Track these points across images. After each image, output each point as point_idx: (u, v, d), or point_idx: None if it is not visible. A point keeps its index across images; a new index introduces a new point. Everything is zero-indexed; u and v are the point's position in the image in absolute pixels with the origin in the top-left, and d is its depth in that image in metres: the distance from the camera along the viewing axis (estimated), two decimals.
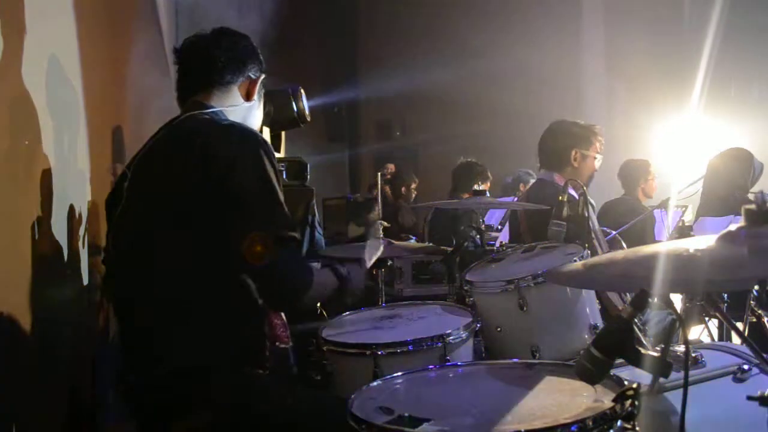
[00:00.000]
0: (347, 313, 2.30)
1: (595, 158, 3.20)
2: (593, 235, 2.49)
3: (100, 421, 2.31)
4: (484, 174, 5.09)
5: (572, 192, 3.12)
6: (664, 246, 1.28)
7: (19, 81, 1.97)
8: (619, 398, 1.19)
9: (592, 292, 2.18)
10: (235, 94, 1.85)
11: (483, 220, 4.42)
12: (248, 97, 1.87)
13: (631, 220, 4.36)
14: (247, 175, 1.61)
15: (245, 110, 1.87)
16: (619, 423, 1.18)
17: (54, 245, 2.22)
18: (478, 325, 2.05)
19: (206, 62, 1.84)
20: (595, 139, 3.22)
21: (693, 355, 1.58)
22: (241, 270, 1.64)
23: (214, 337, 1.64)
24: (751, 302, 3.09)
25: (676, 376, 1.27)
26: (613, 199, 5.21)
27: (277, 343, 1.80)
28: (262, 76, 1.91)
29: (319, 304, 2.55)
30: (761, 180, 4.24)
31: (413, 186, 6.47)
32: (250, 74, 1.87)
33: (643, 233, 4.46)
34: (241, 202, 1.60)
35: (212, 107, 1.80)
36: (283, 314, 1.84)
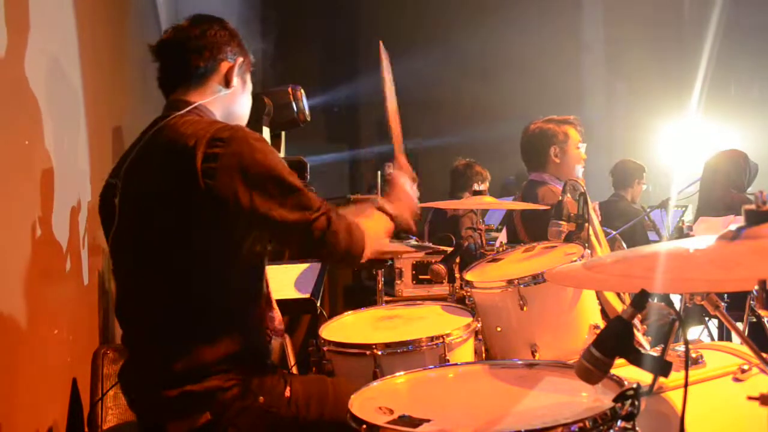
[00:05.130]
0: (347, 313, 2.30)
1: (577, 148, 3.19)
2: (594, 235, 2.49)
3: (100, 421, 2.30)
4: (482, 174, 5.10)
5: (560, 187, 3.12)
6: (664, 246, 1.28)
7: (20, 81, 1.97)
8: (619, 398, 1.19)
9: (592, 292, 2.17)
10: (214, 83, 1.79)
11: (483, 220, 4.43)
12: (227, 83, 1.80)
13: (623, 221, 4.38)
14: (264, 181, 1.59)
15: (227, 98, 1.81)
16: (619, 423, 1.18)
17: (54, 245, 2.22)
18: (478, 325, 2.05)
19: (178, 56, 1.78)
20: (571, 130, 3.20)
21: (693, 355, 1.58)
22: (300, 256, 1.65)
23: (216, 338, 1.64)
24: (751, 302, 3.09)
25: (676, 376, 1.27)
26: (604, 201, 5.20)
27: (273, 337, 1.79)
28: (240, 59, 1.83)
29: (319, 304, 2.55)
30: (760, 180, 4.26)
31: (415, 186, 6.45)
32: (227, 59, 1.80)
33: (635, 234, 4.48)
34: (270, 209, 1.58)
35: (191, 102, 1.74)
36: (276, 308, 1.82)
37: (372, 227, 1.76)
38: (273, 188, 1.60)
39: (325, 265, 2.74)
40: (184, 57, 1.77)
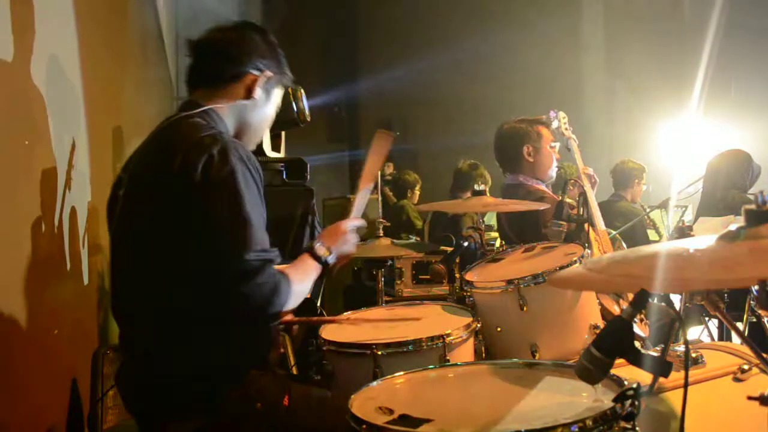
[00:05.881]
0: (347, 313, 2.30)
1: (550, 146, 3.18)
2: (592, 233, 2.49)
3: (100, 420, 2.31)
4: (484, 176, 5.12)
5: (543, 186, 3.12)
6: (664, 246, 1.28)
7: (20, 81, 1.97)
8: (619, 398, 1.19)
9: (593, 292, 2.18)
10: (234, 91, 1.76)
11: (483, 221, 4.43)
12: (249, 94, 1.77)
13: (623, 221, 4.37)
14: (216, 202, 1.56)
15: (243, 108, 1.78)
16: (619, 423, 1.18)
17: (54, 245, 2.22)
18: (478, 325, 2.05)
19: (208, 57, 1.79)
20: (543, 129, 3.19)
21: (693, 355, 1.59)
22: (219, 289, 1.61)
23: (215, 343, 1.64)
24: (751, 302, 3.09)
25: (676, 376, 1.27)
26: (603, 201, 5.20)
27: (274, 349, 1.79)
28: (270, 73, 1.80)
29: (319, 304, 2.55)
30: (761, 180, 4.26)
31: (417, 187, 6.45)
32: (252, 70, 1.77)
33: (635, 234, 4.48)
34: (213, 231, 1.56)
35: (202, 105, 1.72)
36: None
37: (301, 280, 1.73)
38: (225, 210, 1.56)
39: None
40: (214, 59, 1.78)
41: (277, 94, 1.87)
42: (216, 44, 1.79)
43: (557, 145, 3.22)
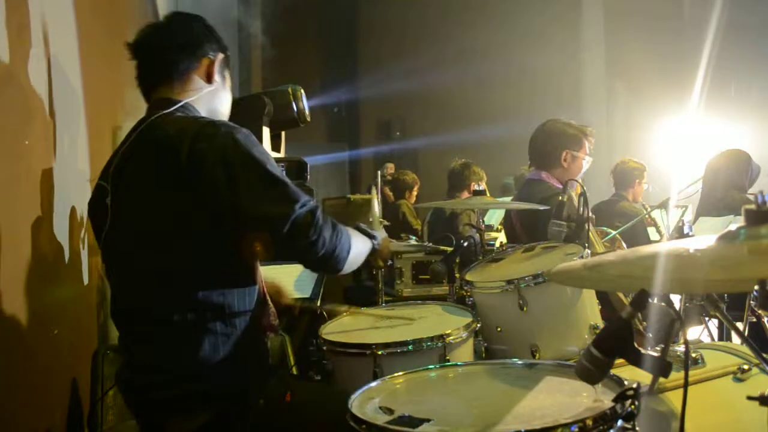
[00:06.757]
0: (347, 313, 2.30)
1: (584, 159, 3.18)
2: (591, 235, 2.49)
3: (100, 420, 2.31)
4: (478, 174, 5.10)
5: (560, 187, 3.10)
6: (664, 246, 1.28)
7: (20, 80, 1.97)
8: (619, 398, 1.19)
9: (592, 292, 2.18)
10: (196, 80, 1.78)
11: (483, 220, 4.43)
12: (209, 79, 1.80)
13: (624, 221, 4.37)
14: (247, 177, 1.58)
15: (210, 95, 1.81)
16: (619, 423, 1.18)
17: (54, 245, 2.22)
18: (478, 325, 2.05)
19: (159, 53, 1.79)
20: (586, 140, 3.19)
21: (693, 355, 1.59)
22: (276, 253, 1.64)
23: (215, 338, 1.63)
24: (751, 302, 3.09)
25: (676, 376, 1.27)
26: (604, 201, 5.20)
27: (268, 333, 1.78)
28: (221, 55, 1.83)
29: (319, 304, 2.54)
30: (761, 180, 4.27)
31: (416, 188, 6.46)
32: (207, 56, 1.80)
33: (635, 234, 4.47)
34: (254, 204, 1.57)
35: (177, 101, 1.74)
36: (272, 304, 1.81)
37: (357, 241, 1.77)
38: (256, 181, 1.59)
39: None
40: (166, 54, 1.78)
41: (228, 76, 1.90)
42: (166, 37, 1.80)
43: (590, 160, 3.20)
